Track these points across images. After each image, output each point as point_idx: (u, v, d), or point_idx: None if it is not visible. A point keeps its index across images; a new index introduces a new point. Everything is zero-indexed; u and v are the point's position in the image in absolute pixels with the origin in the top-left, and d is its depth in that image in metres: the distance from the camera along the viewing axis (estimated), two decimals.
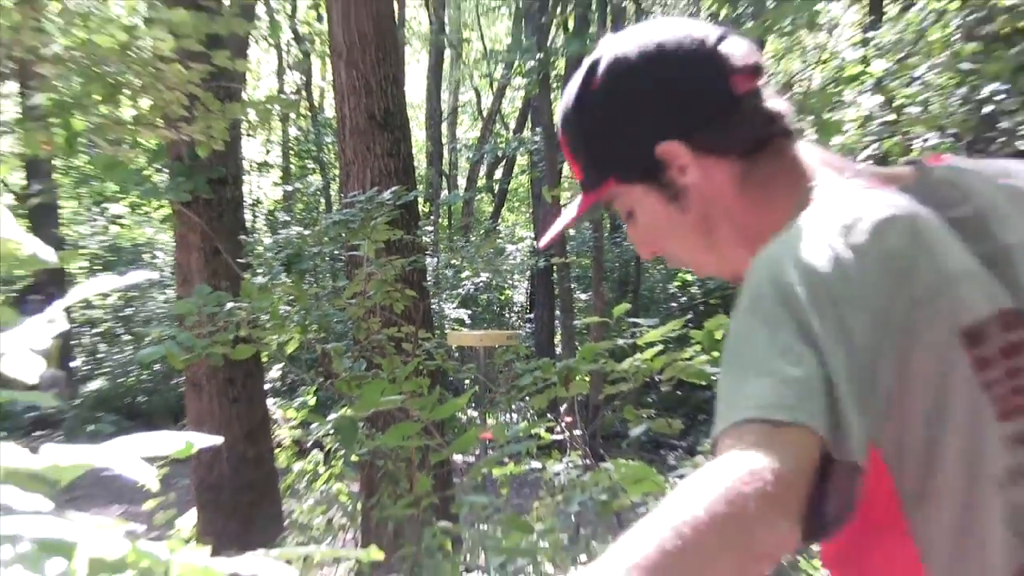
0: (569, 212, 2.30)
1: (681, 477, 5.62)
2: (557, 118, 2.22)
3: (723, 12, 23.43)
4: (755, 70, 1.97)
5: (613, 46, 2.07)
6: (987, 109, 8.76)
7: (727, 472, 1.43)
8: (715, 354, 5.76)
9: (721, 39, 1.99)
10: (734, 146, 1.96)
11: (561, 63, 22.52)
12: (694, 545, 1.36)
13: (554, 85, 22.90)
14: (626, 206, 2.12)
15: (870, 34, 10.88)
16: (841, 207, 1.78)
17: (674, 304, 23.85)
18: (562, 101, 2.19)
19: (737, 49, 1.98)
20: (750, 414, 1.51)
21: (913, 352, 1.64)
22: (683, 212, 2.02)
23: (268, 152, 29.37)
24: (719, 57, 1.96)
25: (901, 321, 1.64)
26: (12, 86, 9.01)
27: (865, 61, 10.29)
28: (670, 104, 1.98)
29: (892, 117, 9.47)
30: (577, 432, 7.04)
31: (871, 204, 1.78)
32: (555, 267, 21.12)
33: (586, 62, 2.11)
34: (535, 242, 24.22)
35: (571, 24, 23.26)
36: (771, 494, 1.41)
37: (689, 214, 2.01)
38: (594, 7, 23.28)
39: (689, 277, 24.60)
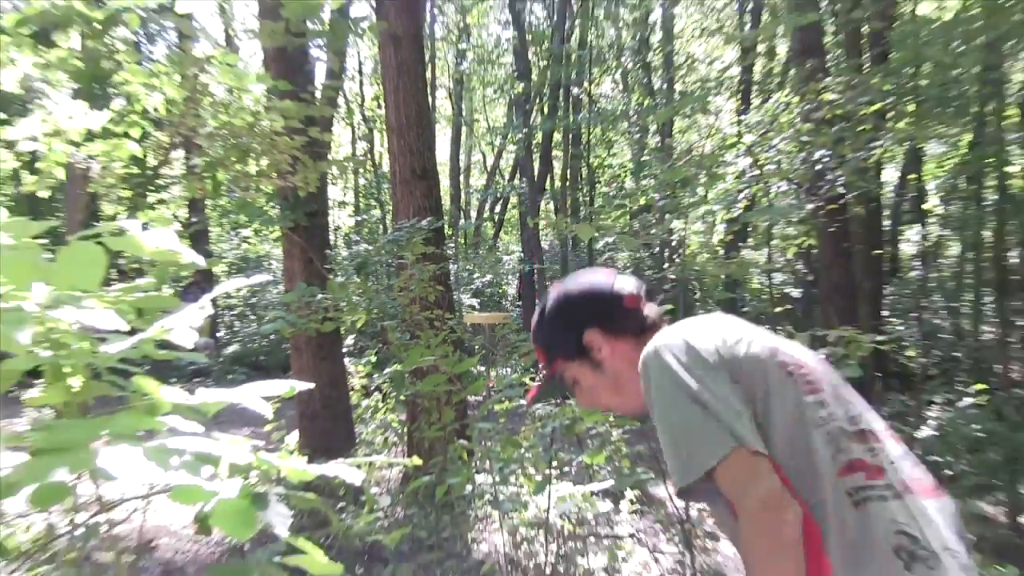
0: (537, 385, 2.70)
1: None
2: (533, 329, 2.63)
3: (646, 102, 23.47)
4: (637, 296, 2.43)
5: (557, 289, 2.55)
6: (818, 167, 8.81)
7: (751, 512, 1.85)
8: None
9: (617, 281, 2.48)
10: (628, 333, 2.38)
11: (539, 136, 22.49)
12: (762, 565, 1.83)
13: (534, 150, 22.85)
14: (571, 376, 2.48)
15: (742, 117, 10.88)
16: (682, 326, 2.24)
17: None
18: (533, 325, 2.59)
19: (627, 284, 2.46)
20: (713, 461, 1.90)
21: (743, 367, 2.07)
22: (603, 375, 2.42)
23: (345, 194, 29.26)
24: (616, 290, 2.44)
25: (731, 355, 2.09)
26: (179, 152, 8.97)
27: (739, 135, 10.27)
28: (589, 313, 2.43)
29: (757, 172, 9.47)
30: None
31: (697, 319, 2.30)
32: (535, 271, 21.09)
33: (541, 302, 2.59)
34: (522, 254, 24.08)
35: (546, 109, 23.24)
36: (776, 505, 1.83)
37: (606, 376, 2.41)
38: (560, 100, 23.27)
39: None
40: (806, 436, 1.99)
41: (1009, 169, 13.80)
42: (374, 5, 9.53)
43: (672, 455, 2.00)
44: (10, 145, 7.17)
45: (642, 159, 22.62)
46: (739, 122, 11.60)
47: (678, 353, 2.08)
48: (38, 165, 7.24)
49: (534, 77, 22.34)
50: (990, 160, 13.20)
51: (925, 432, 7.76)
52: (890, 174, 16.26)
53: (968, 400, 8.97)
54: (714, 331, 2.17)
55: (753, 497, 1.85)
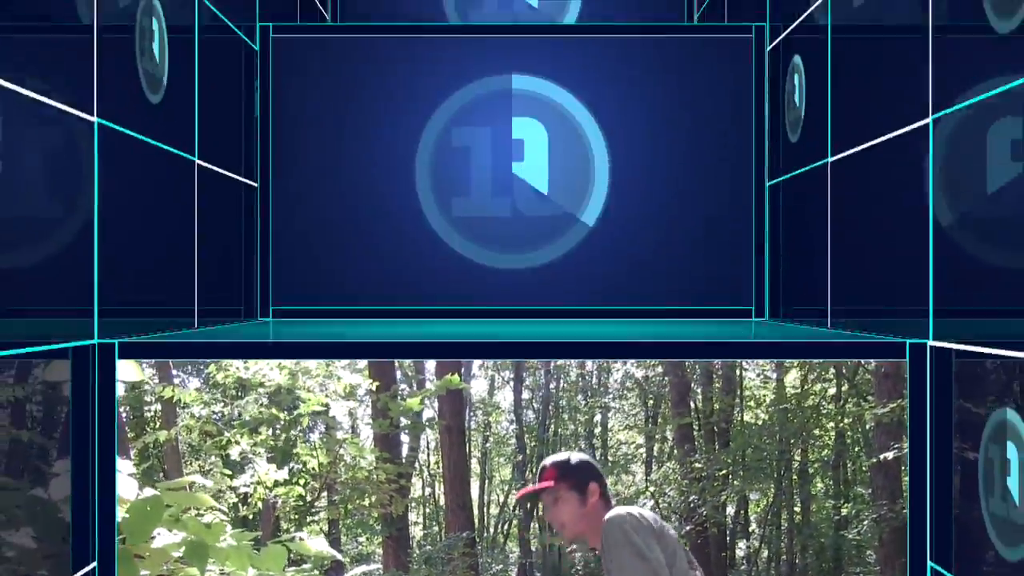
0: (530, 489, 2.44)
1: None
2: (554, 462, 2.35)
3: None
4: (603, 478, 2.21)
5: (581, 454, 2.30)
6: (692, 505, 8.70)
7: None
8: None
9: (596, 467, 2.27)
10: (605, 500, 2.10)
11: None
12: None
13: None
14: (560, 496, 2.09)
15: (648, 476, 10.81)
16: (628, 507, 2.06)
17: None
18: (553, 460, 2.23)
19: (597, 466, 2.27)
20: None
21: (661, 537, 1.93)
22: (582, 507, 2.06)
23: (418, 515, 28.23)
24: (595, 467, 2.19)
25: (655, 527, 1.94)
26: (325, 492, 8.90)
27: (647, 487, 10.18)
28: (598, 475, 2.12)
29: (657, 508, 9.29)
30: None
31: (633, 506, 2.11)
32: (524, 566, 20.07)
33: (564, 455, 2.31)
34: (520, 552, 22.79)
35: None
36: None
37: (583, 508, 2.06)
38: None
39: None
40: (687, 567, 2.02)
41: (796, 509, 14.59)
42: (436, 408, 9.76)
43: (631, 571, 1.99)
44: (234, 489, 7.29)
45: None
46: (646, 479, 11.57)
47: (629, 523, 2.02)
48: (248, 500, 7.30)
49: (527, 451, 22.21)
50: (784, 504, 13.68)
51: None
52: (730, 509, 16.27)
53: None
54: (646, 514, 2.10)
55: None
